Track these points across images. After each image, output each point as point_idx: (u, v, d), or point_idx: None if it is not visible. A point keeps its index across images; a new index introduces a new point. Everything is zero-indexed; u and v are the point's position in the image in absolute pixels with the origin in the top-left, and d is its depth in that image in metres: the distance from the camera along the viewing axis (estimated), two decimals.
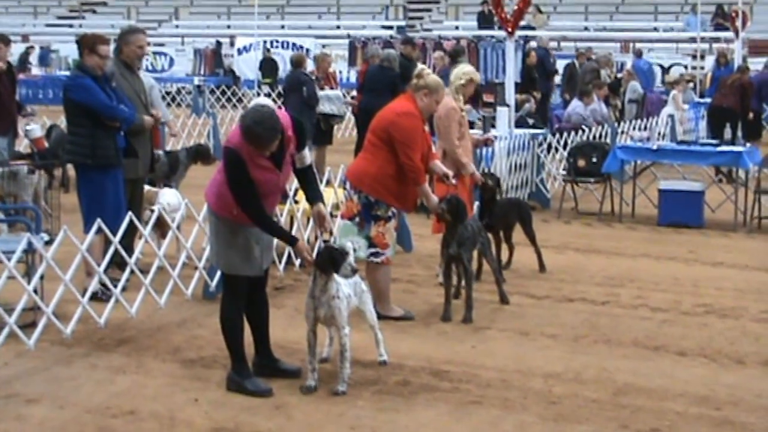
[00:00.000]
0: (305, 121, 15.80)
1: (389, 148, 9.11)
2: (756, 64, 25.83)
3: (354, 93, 18.64)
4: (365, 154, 9.36)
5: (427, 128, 9.37)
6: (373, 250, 9.23)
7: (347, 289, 7.55)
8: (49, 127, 17.13)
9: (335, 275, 7.38)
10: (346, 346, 7.38)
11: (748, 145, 15.77)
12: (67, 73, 36.75)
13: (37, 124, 15.29)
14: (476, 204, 11.04)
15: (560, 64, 26.70)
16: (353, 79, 26.88)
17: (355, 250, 7.86)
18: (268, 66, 34.59)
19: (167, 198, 10.89)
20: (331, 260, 7.34)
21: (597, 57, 26.21)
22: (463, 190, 10.21)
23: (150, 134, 10.73)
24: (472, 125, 15.05)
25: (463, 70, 10.92)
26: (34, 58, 40.19)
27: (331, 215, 11.59)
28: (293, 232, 11.04)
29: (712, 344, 8.80)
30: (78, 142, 9.73)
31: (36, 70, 39.35)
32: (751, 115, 19.68)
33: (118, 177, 9.86)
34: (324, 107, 17.01)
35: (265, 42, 36.79)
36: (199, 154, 13.56)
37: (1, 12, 50.95)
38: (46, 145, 15.76)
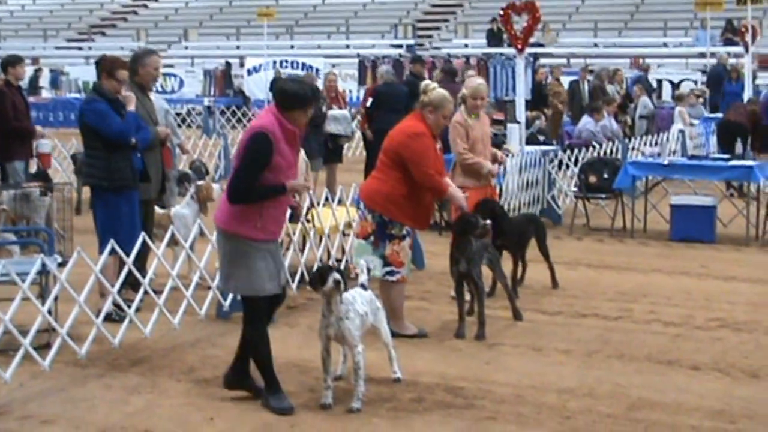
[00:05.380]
0: (312, 139, 15.99)
1: (401, 168, 9.13)
2: (765, 79, 25.81)
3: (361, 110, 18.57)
4: (378, 173, 9.38)
5: (439, 145, 9.39)
6: (388, 269, 9.24)
7: (363, 307, 7.59)
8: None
9: (345, 296, 7.42)
10: (359, 364, 7.39)
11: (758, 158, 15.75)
12: (77, 95, 37.06)
13: (48, 141, 15.32)
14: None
15: (566, 81, 26.74)
16: None
17: (369, 270, 7.88)
18: None
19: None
20: (318, 276, 7.39)
21: (597, 72, 26.21)
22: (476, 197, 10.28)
23: (161, 156, 10.76)
24: None
25: (466, 83, 10.98)
26: (44, 81, 40.33)
27: (344, 234, 11.69)
28: (305, 251, 11.12)
29: (726, 358, 8.80)
30: (94, 165, 9.77)
31: (46, 93, 39.49)
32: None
33: (133, 199, 9.89)
34: (330, 127, 17.02)
35: (275, 62, 36.89)
36: None
37: (11, 35, 51.18)
38: (53, 162, 15.80)
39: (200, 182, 11.90)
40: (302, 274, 10.96)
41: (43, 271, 8.65)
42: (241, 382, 7.72)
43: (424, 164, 9.08)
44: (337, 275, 7.31)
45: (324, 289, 7.34)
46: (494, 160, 11.61)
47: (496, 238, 10.85)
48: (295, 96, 7.32)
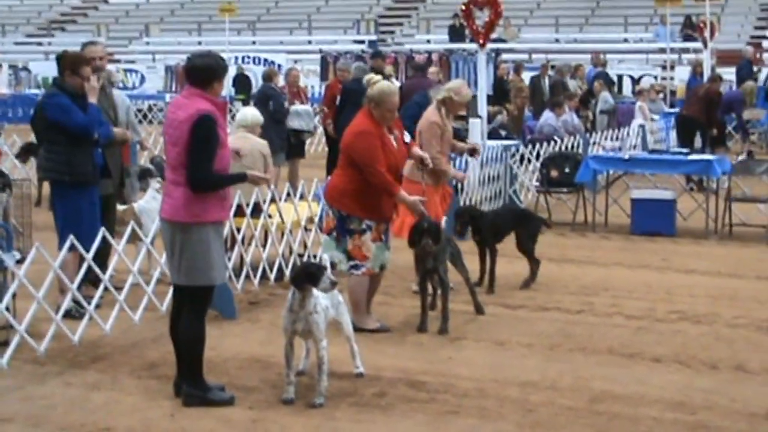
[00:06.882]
0: (274, 135, 15.91)
1: (358, 165, 9.12)
2: (726, 74, 26.08)
3: (323, 108, 18.53)
4: (338, 170, 9.41)
5: (394, 136, 9.33)
6: (352, 263, 9.23)
7: (325, 301, 7.57)
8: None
9: (313, 290, 7.38)
10: (323, 359, 7.37)
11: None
12: (37, 91, 36.75)
13: None
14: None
15: (527, 77, 26.83)
16: None
17: (334, 265, 7.85)
18: (241, 82, 34.56)
19: None
20: (307, 275, 7.35)
21: (558, 67, 26.40)
22: (433, 197, 10.21)
23: (120, 151, 10.68)
24: None
25: (447, 85, 11.06)
26: (3, 77, 39.99)
27: (305, 229, 11.67)
28: (267, 246, 11.08)
29: (686, 350, 8.85)
30: (55, 159, 9.64)
31: (4, 89, 39.15)
32: (714, 130, 19.62)
33: (94, 195, 9.78)
34: (293, 123, 16.98)
35: (237, 58, 36.75)
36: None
37: None
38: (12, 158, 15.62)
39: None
40: (264, 270, 10.93)
41: (1, 268, 8.57)
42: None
43: (370, 163, 9.04)
44: (333, 276, 7.36)
45: (317, 289, 7.33)
46: (472, 151, 11.56)
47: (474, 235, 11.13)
48: (210, 69, 7.32)
